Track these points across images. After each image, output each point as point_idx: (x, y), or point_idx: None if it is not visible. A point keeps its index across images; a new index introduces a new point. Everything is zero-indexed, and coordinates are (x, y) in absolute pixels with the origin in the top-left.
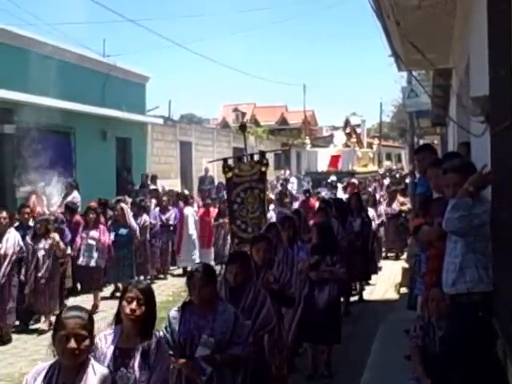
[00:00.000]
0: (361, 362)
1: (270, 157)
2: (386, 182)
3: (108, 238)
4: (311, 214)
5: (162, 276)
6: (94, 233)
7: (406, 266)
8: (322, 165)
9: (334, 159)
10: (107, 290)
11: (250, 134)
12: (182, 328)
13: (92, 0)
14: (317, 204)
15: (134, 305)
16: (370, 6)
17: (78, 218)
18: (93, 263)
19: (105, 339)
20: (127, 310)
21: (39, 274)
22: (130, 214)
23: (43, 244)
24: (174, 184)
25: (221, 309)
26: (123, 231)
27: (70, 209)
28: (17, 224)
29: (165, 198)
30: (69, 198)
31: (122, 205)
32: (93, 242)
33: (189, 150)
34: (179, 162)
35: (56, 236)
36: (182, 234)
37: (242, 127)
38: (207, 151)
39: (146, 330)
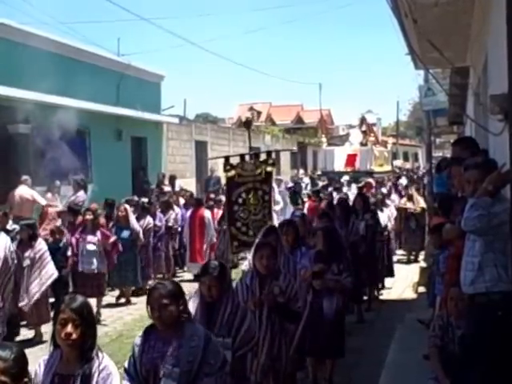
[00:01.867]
0: (379, 362)
1: (285, 155)
2: (402, 181)
3: (109, 241)
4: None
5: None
6: (91, 237)
7: (424, 265)
8: (339, 164)
9: (351, 158)
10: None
11: (265, 133)
12: (144, 357)
13: None
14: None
15: (68, 328)
16: (388, 3)
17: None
18: (93, 269)
19: (44, 365)
20: (62, 335)
21: (24, 285)
22: (132, 216)
23: (29, 253)
24: (189, 183)
25: (188, 333)
26: (126, 234)
27: (72, 210)
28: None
29: (166, 198)
30: (72, 198)
31: (126, 206)
32: (92, 247)
33: (204, 150)
34: (194, 162)
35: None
36: (194, 237)
37: (247, 124)
38: (223, 150)
39: (85, 353)
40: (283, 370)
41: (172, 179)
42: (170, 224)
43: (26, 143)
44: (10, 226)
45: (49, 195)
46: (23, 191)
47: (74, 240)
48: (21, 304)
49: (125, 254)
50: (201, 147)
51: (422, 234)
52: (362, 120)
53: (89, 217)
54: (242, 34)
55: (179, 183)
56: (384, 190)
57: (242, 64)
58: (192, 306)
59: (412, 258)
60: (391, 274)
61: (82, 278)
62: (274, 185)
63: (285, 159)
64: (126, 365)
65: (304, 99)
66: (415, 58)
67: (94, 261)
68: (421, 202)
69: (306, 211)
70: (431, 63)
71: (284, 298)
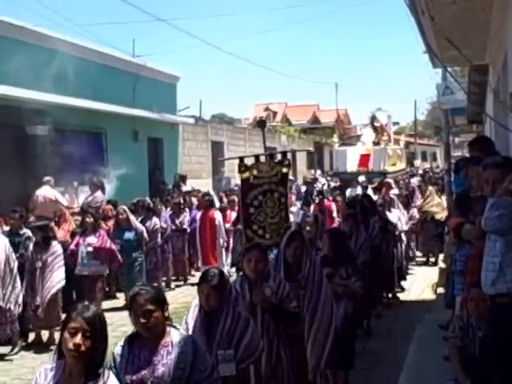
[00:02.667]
0: (397, 363)
1: (301, 156)
2: (414, 180)
3: (110, 242)
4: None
5: (175, 284)
6: (91, 239)
7: (443, 265)
8: (352, 164)
9: (364, 158)
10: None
11: (281, 134)
12: (129, 367)
13: (122, 0)
14: (333, 207)
15: (78, 338)
16: (404, 1)
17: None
18: (92, 271)
19: (44, 375)
20: (70, 345)
21: (37, 287)
22: (133, 216)
23: (42, 255)
24: (206, 184)
25: (176, 339)
26: (129, 235)
27: (85, 211)
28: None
29: (178, 200)
30: (90, 199)
31: (124, 207)
32: (91, 249)
33: (221, 150)
34: (211, 162)
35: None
36: (206, 239)
37: (260, 123)
38: (239, 151)
39: (92, 368)
40: (286, 377)
41: (183, 179)
42: (184, 226)
43: (44, 144)
44: (22, 230)
45: (66, 196)
46: (46, 192)
47: (73, 245)
48: (34, 307)
49: (130, 256)
50: (217, 148)
51: (441, 235)
52: (373, 118)
53: (89, 220)
54: (257, 33)
55: (190, 183)
56: (396, 191)
57: (257, 64)
58: (191, 317)
59: (431, 261)
60: (403, 277)
61: (82, 281)
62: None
63: (301, 159)
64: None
65: (320, 99)
66: (433, 57)
67: (95, 262)
68: (444, 205)
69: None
70: (449, 61)
71: (276, 299)
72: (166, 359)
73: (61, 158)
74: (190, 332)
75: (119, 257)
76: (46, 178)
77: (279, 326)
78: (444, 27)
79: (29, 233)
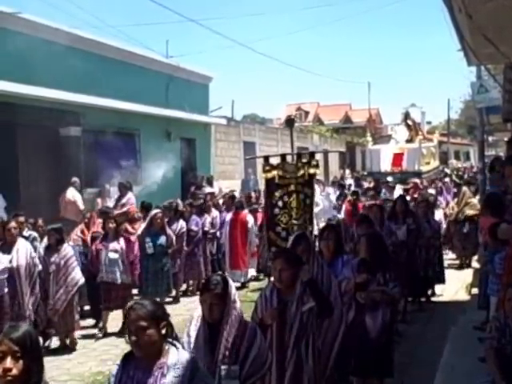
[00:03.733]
0: (432, 364)
1: (333, 156)
2: (447, 180)
3: (135, 249)
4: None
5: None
6: (114, 244)
7: (478, 266)
8: (385, 164)
9: (397, 157)
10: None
11: (313, 133)
12: None
13: (154, 1)
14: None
15: (7, 362)
16: None
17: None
18: (117, 279)
19: None
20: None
21: (51, 292)
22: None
23: (55, 258)
24: (238, 185)
25: (172, 360)
26: (162, 240)
27: (105, 214)
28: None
29: (201, 202)
30: (123, 200)
31: (159, 211)
32: (115, 256)
33: (253, 150)
34: (243, 163)
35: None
36: (237, 242)
37: (289, 121)
38: (271, 151)
39: None
40: None
41: (209, 180)
42: (206, 228)
43: (77, 145)
44: (26, 232)
45: (98, 200)
46: (69, 194)
47: (93, 248)
48: (49, 311)
49: (160, 262)
50: (249, 148)
51: (475, 237)
52: (406, 115)
53: (111, 225)
54: (289, 33)
55: (219, 184)
56: (432, 191)
57: (289, 64)
58: (193, 329)
59: (465, 263)
60: (442, 280)
61: (104, 289)
62: (315, 185)
63: (333, 159)
64: None
65: (352, 98)
66: (468, 54)
67: (118, 270)
68: (478, 206)
69: (342, 215)
70: (485, 59)
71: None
72: (159, 382)
73: (94, 159)
74: (192, 345)
75: (138, 267)
76: (73, 179)
77: (300, 344)
78: (481, 24)
79: (34, 234)
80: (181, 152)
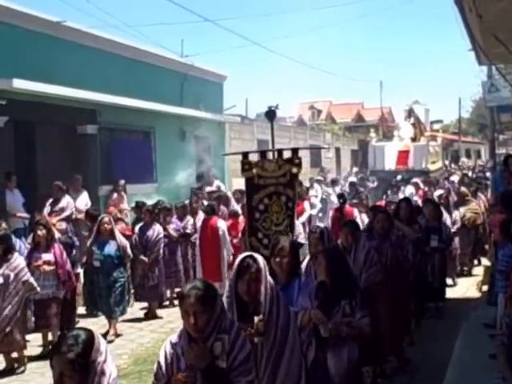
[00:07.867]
0: (443, 361)
1: (346, 154)
2: (453, 178)
3: (67, 261)
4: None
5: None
6: (47, 255)
7: (488, 263)
8: (390, 162)
9: (402, 155)
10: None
11: (326, 132)
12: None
13: (171, 1)
14: (355, 213)
15: None
16: None
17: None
18: (48, 294)
19: None
20: None
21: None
22: (115, 227)
23: (3, 270)
24: None
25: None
26: (110, 249)
27: (91, 216)
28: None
29: (184, 203)
30: (62, 204)
31: (108, 216)
32: (48, 268)
33: (266, 148)
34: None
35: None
36: (206, 252)
37: (270, 113)
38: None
39: None
40: None
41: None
42: (187, 231)
43: (94, 143)
44: None
45: (114, 196)
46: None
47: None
48: None
49: (110, 277)
50: (263, 146)
51: (479, 243)
52: (410, 112)
53: (41, 233)
54: (303, 33)
55: (218, 184)
56: (440, 192)
57: (302, 62)
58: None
59: (465, 270)
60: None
61: (36, 305)
62: (316, 185)
63: (345, 157)
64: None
65: (365, 97)
66: (479, 54)
67: (50, 283)
68: (480, 209)
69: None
70: (496, 59)
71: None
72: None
73: (110, 157)
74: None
75: (73, 279)
76: (75, 177)
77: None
78: (491, 24)
79: None
80: (195, 150)
